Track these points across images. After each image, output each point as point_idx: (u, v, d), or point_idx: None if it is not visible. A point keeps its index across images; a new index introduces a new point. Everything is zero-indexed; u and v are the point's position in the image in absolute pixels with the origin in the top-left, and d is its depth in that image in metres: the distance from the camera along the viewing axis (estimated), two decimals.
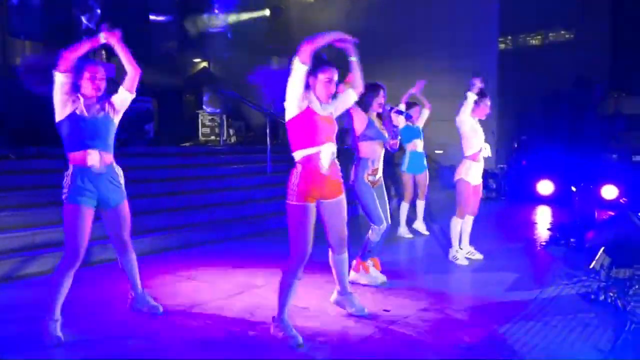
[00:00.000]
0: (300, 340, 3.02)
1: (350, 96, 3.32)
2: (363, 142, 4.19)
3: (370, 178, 4.18)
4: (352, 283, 4.27)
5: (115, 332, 3.27)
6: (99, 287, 4.21)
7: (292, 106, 3.05)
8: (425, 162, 6.43)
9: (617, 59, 17.64)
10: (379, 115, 4.31)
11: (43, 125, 7.55)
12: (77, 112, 3.18)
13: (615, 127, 14.49)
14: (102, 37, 3.21)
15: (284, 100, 3.09)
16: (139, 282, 3.56)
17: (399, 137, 4.45)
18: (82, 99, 3.21)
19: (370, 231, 4.22)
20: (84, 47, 3.14)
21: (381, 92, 4.17)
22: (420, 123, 6.40)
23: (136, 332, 3.28)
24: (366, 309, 3.56)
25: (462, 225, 5.13)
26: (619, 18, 17.39)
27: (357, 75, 3.30)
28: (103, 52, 9.00)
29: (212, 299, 3.91)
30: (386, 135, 4.27)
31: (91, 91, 3.22)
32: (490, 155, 5.23)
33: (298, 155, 3.09)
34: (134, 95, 3.38)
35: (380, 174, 4.29)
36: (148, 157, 7.62)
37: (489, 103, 5.02)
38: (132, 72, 3.33)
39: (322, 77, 3.11)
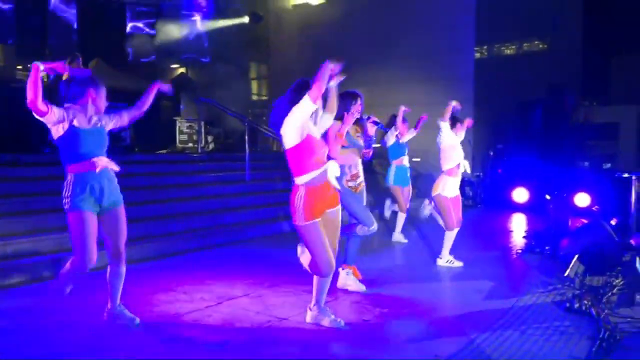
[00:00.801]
0: None
1: (327, 120, 3.50)
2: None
3: (351, 183, 4.21)
4: (336, 289, 4.28)
5: (91, 345, 3.19)
6: (76, 299, 4.11)
7: (294, 136, 3.19)
8: (409, 176, 6.51)
9: (588, 69, 18.14)
10: (356, 122, 4.34)
11: (20, 132, 7.41)
12: (76, 124, 3.17)
13: (586, 136, 14.86)
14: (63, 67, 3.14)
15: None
16: (119, 296, 3.49)
17: (373, 146, 4.52)
18: (77, 110, 3.21)
19: (357, 227, 4.25)
20: (37, 84, 2.95)
21: (359, 100, 4.21)
22: (405, 139, 6.47)
23: (112, 344, 3.22)
24: (342, 321, 3.53)
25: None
26: (591, 29, 17.91)
27: (333, 100, 3.48)
28: (80, 57, 8.84)
29: (190, 310, 3.86)
30: (361, 143, 4.31)
31: (92, 111, 3.27)
32: (468, 172, 5.35)
33: (303, 179, 3.22)
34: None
35: (361, 179, 4.32)
36: (124, 164, 7.40)
37: (464, 123, 5.20)
38: (140, 111, 3.55)
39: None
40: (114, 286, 3.45)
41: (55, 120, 3.11)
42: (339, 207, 3.44)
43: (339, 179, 4.15)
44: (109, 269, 3.44)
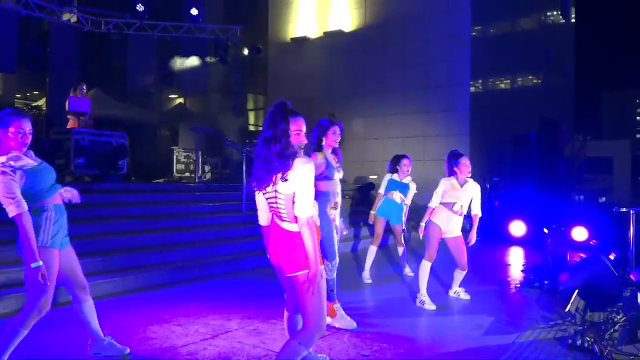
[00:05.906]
0: None
1: None
2: (322, 181, 4.13)
3: (332, 211, 4.18)
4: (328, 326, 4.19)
5: None
6: (64, 331, 4.02)
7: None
8: (402, 215, 6.29)
9: (580, 105, 18.43)
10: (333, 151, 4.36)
11: None
12: (28, 169, 2.91)
13: (581, 170, 14.99)
14: None
15: None
16: (99, 326, 3.37)
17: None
18: (20, 155, 2.92)
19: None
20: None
21: (337, 129, 4.26)
22: (407, 180, 6.26)
23: None
24: (327, 357, 3.42)
25: (455, 275, 5.38)
26: (583, 66, 18.27)
27: None
28: (84, 86, 8.91)
29: (185, 343, 3.77)
30: (341, 170, 4.34)
31: (17, 147, 2.89)
32: (462, 212, 5.34)
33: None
34: None
35: (338, 209, 4.29)
36: (121, 193, 7.46)
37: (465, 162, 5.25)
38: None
39: (291, 127, 2.75)
40: (92, 318, 3.32)
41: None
42: None
43: (322, 206, 4.03)
44: (81, 305, 3.26)
